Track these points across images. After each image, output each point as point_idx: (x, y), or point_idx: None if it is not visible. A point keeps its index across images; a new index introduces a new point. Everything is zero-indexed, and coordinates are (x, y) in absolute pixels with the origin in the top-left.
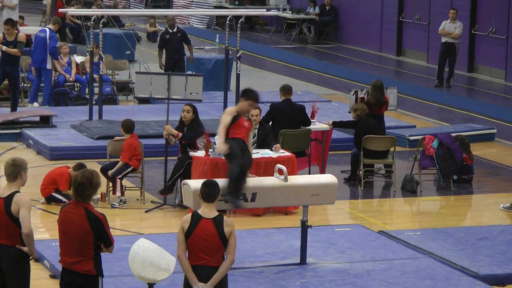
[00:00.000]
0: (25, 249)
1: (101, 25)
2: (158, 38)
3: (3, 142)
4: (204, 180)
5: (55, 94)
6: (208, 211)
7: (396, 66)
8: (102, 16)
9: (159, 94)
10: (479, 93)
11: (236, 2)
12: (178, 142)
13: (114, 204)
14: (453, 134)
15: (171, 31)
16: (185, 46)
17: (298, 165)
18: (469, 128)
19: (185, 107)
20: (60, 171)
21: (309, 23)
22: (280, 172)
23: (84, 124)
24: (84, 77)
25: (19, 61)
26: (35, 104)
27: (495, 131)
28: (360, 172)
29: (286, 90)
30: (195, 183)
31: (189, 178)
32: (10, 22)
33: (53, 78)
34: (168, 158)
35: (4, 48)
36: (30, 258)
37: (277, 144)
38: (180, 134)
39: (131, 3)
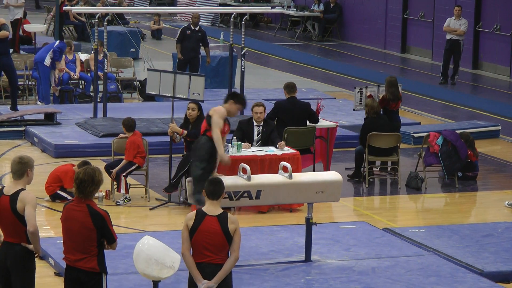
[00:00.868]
0: (31, 247)
1: (105, 23)
2: (179, 31)
3: (8, 139)
4: (209, 177)
5: (59, 92)
6: (212, 209)
7: (401, 63)
8: (107, 14)
9: (166, 92)
10: (483, 90)
11: (241, 0)
12: (183, 139)
13: (119, 202)
14: (457, 131)
15: (193, 28)
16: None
17: (303, 163)
18: (473, 125)
19: (190, 105)
20: (64, 168)
21: (314, 21)
22: (285, 169)
23: (89, 121)
24: (88, 74)
25: (8, 49)
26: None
27: (499, 128)
28: (365, 169)
29: (290, 88)
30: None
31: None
32: None
33: (57, 76)
34: (173, 155)
35: None
36: (36, 256)
37: (282, 142)
38: (185, 131)
39: (135, 0)
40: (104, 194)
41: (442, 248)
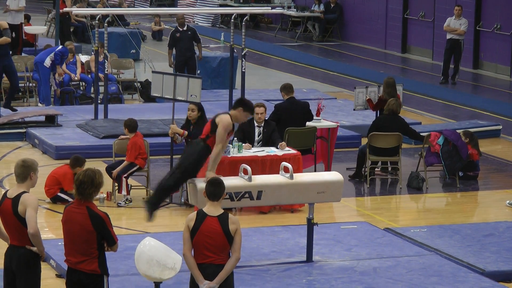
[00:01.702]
0: (35, 249)
1: (106, 24)
2: (169, 36)
3: (9, 141)
4: (210, 178)
5: (60, 93)
6: (213, 209)
7: (401, 63)
8: (107, 15)
9: (168, 94)
10: (484, 90)
11: (241, 0)
12: (184, 140)
13: (120, 203)
14: (460, 130)
15: (181, 29)
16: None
17: (304, 163)
18: (474, 124)
19: (190, 105)
20: (63, 171)
21: (314, 21)
22: (286, 170)
23: (90, 123)
24: (89, 76)
25: (9, 51)
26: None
27: (500, 127)
28: (366, 169)
29: (288, 89)
30: (201, 182)
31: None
32: None
33: (58, 79)
34: (174, 156)
35: None
36: (41, 258)
37: (283, 142)
38: (186, 132)
39: (136, 2)
40: (105, 195)
41: (444, 248)
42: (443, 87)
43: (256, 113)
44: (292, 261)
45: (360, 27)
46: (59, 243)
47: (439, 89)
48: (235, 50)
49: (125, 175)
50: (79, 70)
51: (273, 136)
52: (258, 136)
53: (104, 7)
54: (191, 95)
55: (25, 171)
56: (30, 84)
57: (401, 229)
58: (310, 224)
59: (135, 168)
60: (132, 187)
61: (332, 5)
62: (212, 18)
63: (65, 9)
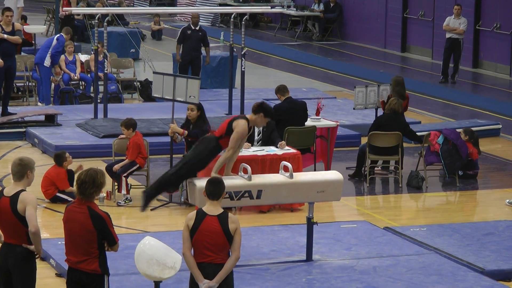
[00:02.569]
0: (32, 247)
1: (105, 24)
2: (179, 32)
3: (8, 141)
4: (209, 177)
5: (60, 93)
6: (212, 208)
7: (401, 62)
8: (107, 15)
9: (168, 95)
10: (484, 89)
11: (241, 0)
12: (183, 139)
13: (120, 202)
14: (458, 130)
15: (193, 28)
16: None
17: (304, 162)
18: (474, 123)
19: (189, 105)
20: (55, 171)
21: (314, 20)
22: (286, 169)
23: (89, 122)
24: (89, 75)
25: (15, 52)
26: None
27: (500, 126)
28: (366, 169)
29: (283, 90)
30: (201, 181)
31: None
32: (11, 9)
33: (58, 77)
34: (174, 155)
35: (6, 36)
36: (37, 256)
37: (282, 141)
38: (186, 132)
39: (135, 1)
40: (105, 195)
41: (443, 247)
42: (443, 86)
43: None
44: (292, 260)
45: (360, 26)
46: (59, 243)
47: (439, 88)
48: (235, 50)
49: (125, 175)
50: (78, 69)
51: (272, 135)
52: (258, 136)
53: (103, 7)
54: (190, 96)
55: (22, 170)
56: (30, 84)
57: (401, 228)
58: (310, 223)
59: (135, 168)
60: (132, 186)
61: (331, 4)
62: (212, 17)
63: (65, 9)
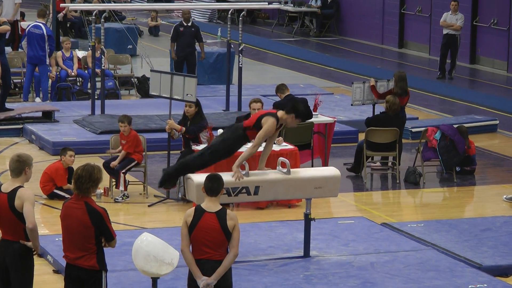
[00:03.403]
0: (29, 244)
1: (102, 20)
2: (172, 29)
3: (6, 137)
4: (208, 174)
5: (57, 89)
6: (211, 205)
7: (398, 58)
8: (104, 11)
9: (165, 93)
10: (481, 85)
11: None
12: (181, 136)
13: (117, 199)
14: (458, 124)
15: (185, 24)
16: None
17: (301, 158)
18: (471, 119)
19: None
20: (54, 167)
21: (311, 16)
22: (283, 165)
23: (87, 118)
24: (86, 71)
25: (4, 48)
26: (37, 99)
27: (497, 122)
28: (364, 165)
29: (282, 88)
30: (198, 177)
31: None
32: None
33: (55, 73)
34: (171, 152)
35: None
36: (34, 253)
37: (280, 137)
38: (183, 128)
39: None
40: (102, 191)
41: (441, 242)
42: (440, 82)
43: (253, 108)
44: (290, 256)
45: (357, 22)
46: (56, 239)
47: (436, 84)
48: (232, 46)
49: (124, 171)
50: (76, 65)
51: None
52: None
53: (100, 3)
54: (187, 94)
55: (20, 166)
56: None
57: (398, 224)
58: (308, 219)
59: (133, 164)
60: (130, 183)
61: (329, 0)
62: (209, 13)
63: (62, 5)
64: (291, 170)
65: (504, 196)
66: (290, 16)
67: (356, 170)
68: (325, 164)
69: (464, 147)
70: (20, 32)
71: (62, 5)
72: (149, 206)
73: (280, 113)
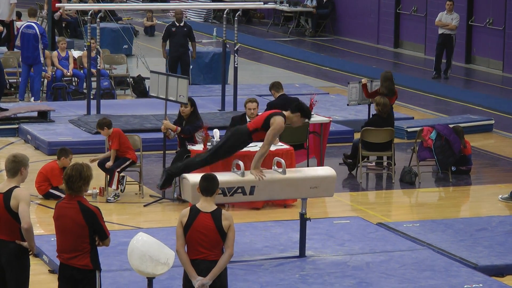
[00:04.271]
0: (25, 244)
1: (98, 20)
2: (164, 29)
3: (1, 137)
4: (203, 174)
5: (53, 89)
6: (206, 205)
7: (394, 58)
8: (99, 11)
9: (162, 94)
10: (476, 84)
11: None
12: (176, 136)
13: (110, 199)
14: (450, 125)
15: (178, 24)
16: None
17: (297, 158)
18: (467, 119)
19: None
20: (50, 166)
21: (307, 16)
22: (279, 165)
23: (82, 118)
24: (81, 71)
25: None
26: (33, 99)
27: (493, 122)
28: (359, 164)
29: (277, 86)
30: (194, 177)
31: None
32: None
33: (50, 73)
34: (167, 152)
35: None
36: (30, 253)
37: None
38: (179, 128)
39: None
40: (98, 191)
41: (436, 242)
42: (436, 82)
43: (249, 108)
44: (285, 256)
45: (353, 22)
46: (52, 239)
47: (432, 84)
48: (228, 45)
49: (118, 169)
50: (71, 65)
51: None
52: None
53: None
54: (180, 95)
55: (16, 166)
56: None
57: (394, 223)
58: (303, 219)
59: (128, 163)
60: (127, 183)
61: (324, 0)
62: (205, 13)
63: (58, 5)
64: (287, 170)
65: (500, 196)
66: (285, 16)
67: (351, 166)
68: (320, 164)
69: (460, 147)
70: (15, 32)
71: (57, 5)
72: (144, 206)
73: (285, 113)
